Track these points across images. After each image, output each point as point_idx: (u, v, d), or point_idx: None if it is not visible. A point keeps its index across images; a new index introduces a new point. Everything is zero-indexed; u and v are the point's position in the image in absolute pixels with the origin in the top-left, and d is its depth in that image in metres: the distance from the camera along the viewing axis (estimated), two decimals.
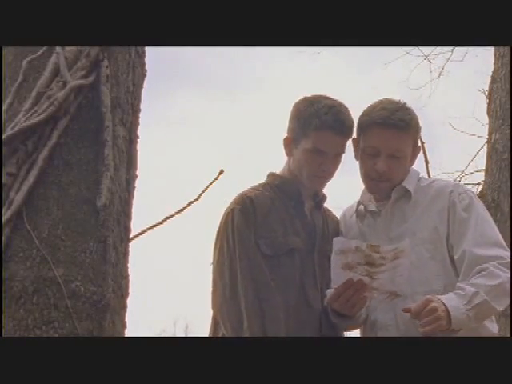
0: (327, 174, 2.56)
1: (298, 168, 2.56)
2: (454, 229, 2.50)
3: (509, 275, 2.39)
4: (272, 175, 2.67)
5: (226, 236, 2.47)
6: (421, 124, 2.68)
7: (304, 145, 2.52)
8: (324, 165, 2.52)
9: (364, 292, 2.36)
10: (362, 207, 2.71)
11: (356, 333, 2.76)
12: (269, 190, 2.59)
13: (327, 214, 2.70)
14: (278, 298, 2.39)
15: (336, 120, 2.49)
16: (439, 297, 2.32)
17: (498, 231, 2.55)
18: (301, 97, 2.62)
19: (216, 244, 2.53)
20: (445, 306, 2.28)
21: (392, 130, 2.52)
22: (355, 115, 2.62)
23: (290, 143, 2.59)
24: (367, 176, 2.60)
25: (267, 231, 2.47)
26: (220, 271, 2.46)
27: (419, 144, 2.64)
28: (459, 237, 2.48)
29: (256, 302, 2.36)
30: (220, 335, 2.44)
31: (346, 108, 2.56)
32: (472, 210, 2.53)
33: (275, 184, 2.61)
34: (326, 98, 2.57)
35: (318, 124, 2.48)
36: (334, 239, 2.40)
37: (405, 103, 2.60)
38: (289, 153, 2.61)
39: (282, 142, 2.62)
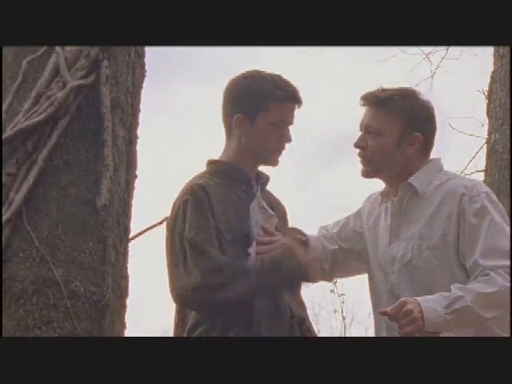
0: (285, 147, 2.52)
1: (259, 145, 2.47)
2: (465, 237, 2.39)
3: (509, 285, 2.28)
4: (213, 162, 2.54)
5: (178, 229, 2.37)
6: None
7: (265, 118, 2.44)
8: (284, 136, 2.48)
9: None
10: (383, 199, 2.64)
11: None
12: (216, 177, 2.47)
13: (270, 197, 2.63)
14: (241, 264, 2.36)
15: (295, 90, 2.47)
16: (417, 298, 2.27)
17: (509, 239, 2.39)
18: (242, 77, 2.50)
19: (167, 237, 2.44)
20: (420, 307, 2.23)
21: (366, 105, 2.56)
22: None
23: (242, 122, 2.45)
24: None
25: (224, 217, 2.39)
26: (173, 264, 2.37)
27: (416, 134, 2.52)
28: (470, 245, 2.38)
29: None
30: (189, 325, 2.36)
31: None
32: (484, 216, 2.39)
33: (220, 170, 2.50)
34: (265, 72, 2.50)
35: (282, 95, 2.43)
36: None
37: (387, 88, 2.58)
38: (242, 133, 2.47)
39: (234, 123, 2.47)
